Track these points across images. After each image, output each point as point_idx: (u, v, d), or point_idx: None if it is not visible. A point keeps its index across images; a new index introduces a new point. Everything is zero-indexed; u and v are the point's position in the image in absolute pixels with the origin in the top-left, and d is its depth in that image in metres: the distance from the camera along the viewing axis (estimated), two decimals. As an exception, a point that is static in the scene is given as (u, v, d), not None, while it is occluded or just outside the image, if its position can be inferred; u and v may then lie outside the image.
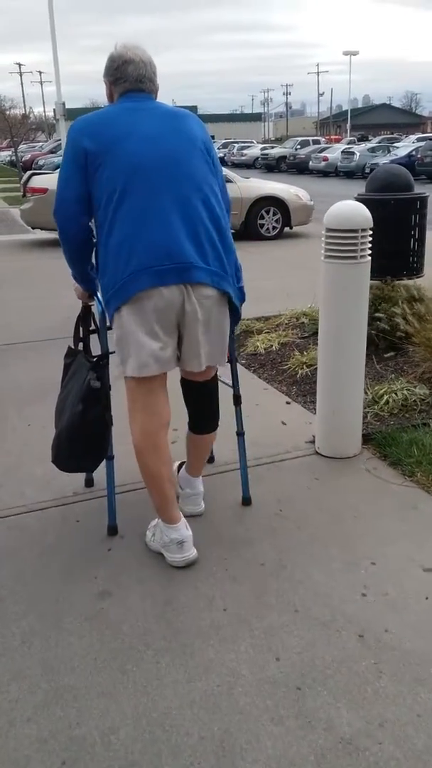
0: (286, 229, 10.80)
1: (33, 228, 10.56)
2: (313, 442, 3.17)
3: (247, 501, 2.65)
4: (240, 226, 10.49)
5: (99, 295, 2.34)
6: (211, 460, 3.01)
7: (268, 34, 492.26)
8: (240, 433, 2.61)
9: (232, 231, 11.00)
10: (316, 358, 4.20)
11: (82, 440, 2.26)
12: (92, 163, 2.03)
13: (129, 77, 2.13)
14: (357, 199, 6.28)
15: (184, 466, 2.59)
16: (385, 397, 3.52)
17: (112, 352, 2.25)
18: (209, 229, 2.08)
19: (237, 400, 2.59)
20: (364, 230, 2.76)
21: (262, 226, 10.61)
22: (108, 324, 2.24)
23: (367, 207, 2.80)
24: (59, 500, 2.72)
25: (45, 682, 1.79)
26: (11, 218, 14.34)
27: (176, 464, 2.69)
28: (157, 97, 2.22)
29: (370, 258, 2.83)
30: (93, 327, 2.53)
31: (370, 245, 2.81)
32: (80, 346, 2.51)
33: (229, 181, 10.33)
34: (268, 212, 10.60)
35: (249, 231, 10.47)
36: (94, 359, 2.34)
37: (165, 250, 2.00)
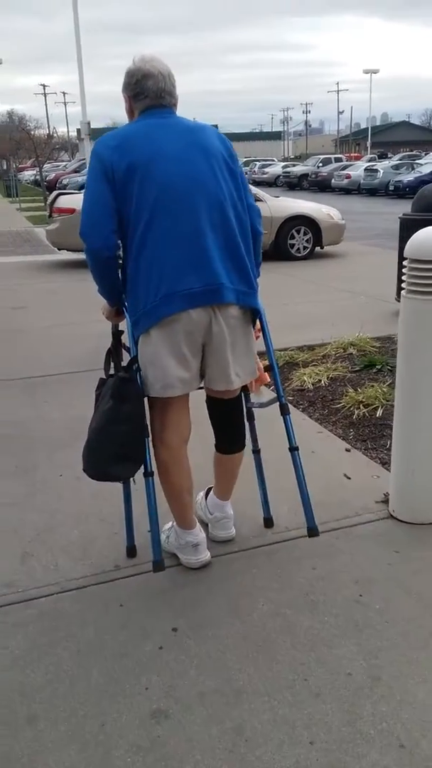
0: (317, 248, 10.44)
1: (59, 249, 10.30)
2: (385, 502, 2.75)
3: (269, 522, 2.62)
4: (270, 246, 10.14)
5: (126, 310, 2.28)
6: (269, 524, 2.63)
7: (288, 54, 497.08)
8: (293, 448, 2.43)
9: (264, 250, 10.71)
10: (374, 397, 3.82)
11: (113, 438, 2.12)
12: (120, 180, 1.99)
13: (149, 92, 2.10)
14: (405, 219, 5.92)
15: (212, 491, 2.53)
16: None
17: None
18: (239, 245, 2.08)
19: (284, 409, 2.43)
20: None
21: (292, 246, 10.26)
22: (134, 344, 2.17)
23: (421, 227, 2.44)
24: (98, 575, 2.34)
25: None
26: (36, 238, 14.15)
27: (202, 493, 2.64)
28: (177, 109, 2.19)
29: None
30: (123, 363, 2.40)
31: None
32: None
33: (258, 200, 10.00)
34: (298, 232, 10.25)
35: (279, 251, 10.12)
36: (120, 369, 2.23)
37: (195, 272, 2.00)
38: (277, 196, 10.89)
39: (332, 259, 10.30)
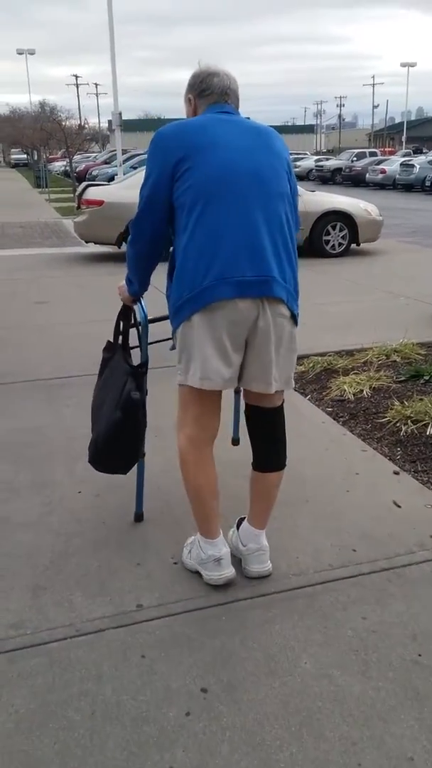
0: (353, 245, 10.06)
1: (86, 242, 10.06)
2: (441, 537, 2.44)
3: (236, 442, 2.80)
4: (304, 243, 9.78)
5: (143, 302, 2.43)
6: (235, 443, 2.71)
7: (322, 46, 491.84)
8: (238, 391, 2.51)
9: (297, 246, 10.24)
10: (424, 412, 3.48)
11: (119, 445, 2.36)
12: (180, 167, 1.99)
13: (215, 89, 2.13)
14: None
15: (246, 519, 2.31)
16: None
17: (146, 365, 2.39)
18: (289, 247, 2.06)
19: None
20: None
21: (327, 242, 9.88)
22: (172, 332, 2.14)
23: None
24: (118, 616, 2.07)
25: None
26: (64, 230, 13.96)
27: (234, 527, 2.41)
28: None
29: None
30: (133, 322, 2.55)
31: None
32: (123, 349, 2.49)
33: (293, 194, 9.67)
34: (334, 227, 9.86)
35: (313, 247, 9.76)
36: (134, 367, 2.39)
37: (248, 260, 1.96)
38: (313, 191, 10.50)
39: (368, 256, 9.91)
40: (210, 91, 2.14)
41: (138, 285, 2.28)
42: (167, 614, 2.07)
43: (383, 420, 3.54)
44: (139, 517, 2.60)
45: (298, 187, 9.11)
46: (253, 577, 2.23)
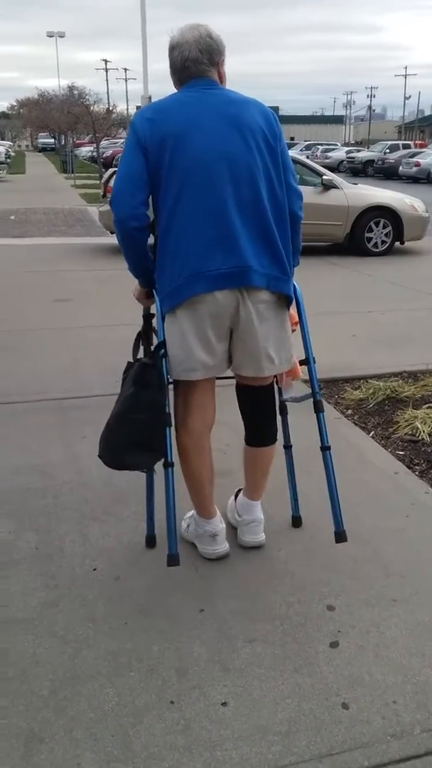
0: (396, 244, 9.30)
1: (112, 233, 9.42)
2: None
3: (297, 521, 2.47)
4: (344, 240, 9.06)
5: (156, 294, 2.23)
6: (297, 523, 2.47)
7: (353, 35, 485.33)
8: (325, 448, 2.21)
9: (337, 243, 9.63)
10: None
11: (132, 426, 2.05)
12: (153, 153, 1.94)
13: (175, 63, 2.04)
14: None
15: (241, 492, 2.41)
16: None
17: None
18: (270, 226, 1.98)
19: (318, 406, 2.21)
20: None
21: (369, 239, 9.14)
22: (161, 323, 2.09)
23: None
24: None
25: None
26: (89, 218, 13.32)
27: (232, 497, 2.49)
28: (220, 75, 2.07)
29: None
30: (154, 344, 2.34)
31: None
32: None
33: (334, 187, 8.95)
34: (377, 224, 9.12)
35: (355, 245, 9.04)
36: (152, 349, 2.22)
37: (221, 252, 1.92)
38: (356, 183, 9.75)
39: (414, 256, 9.15)
40: (174, 68, 2.05)
41: (136, 273, 2.19)
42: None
43: (472, 473, 2.85)
44: (173, 560, 2.02)
45: (339, 179, 8.23)
46: (247, 546, 2.32)
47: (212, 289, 1.94)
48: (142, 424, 2.04)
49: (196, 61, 2.00)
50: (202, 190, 1.92)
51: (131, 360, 2.22)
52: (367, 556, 2.27)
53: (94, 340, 4.86)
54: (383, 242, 9.20)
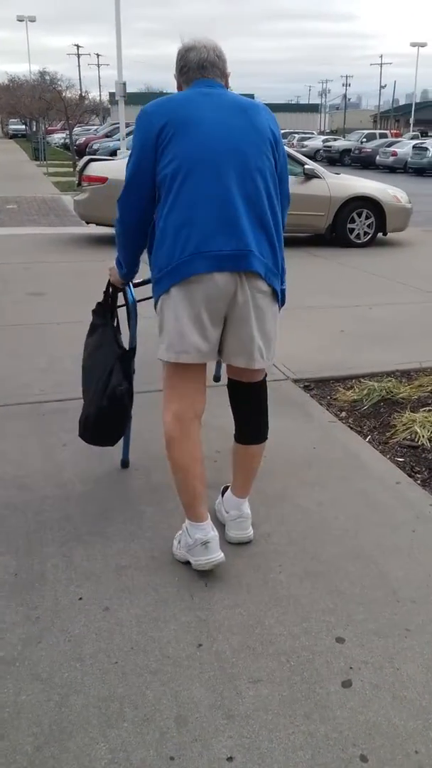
0: (379, 235, 9.17)
1: (87, 223, 9.13)
2: None
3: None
4: (326, 231, 8.90)
5: (131, 285, 2.50)
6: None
7: (328, 23, 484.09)
8: None
9: (318, 234, 9.42)
10: None
11: (107, 426, 2.49)
12: (161, 143, 1.97)
13: (191, 63, 2.10)
14: None
15: (229, 488, 2.38)
16: None
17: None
18: (269, 223, 2.03)
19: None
20: None
21: (351, 231, 9.00)
22: (155, 307, 2.12)
23: None
24: None
25: None
26: (63, 207, 12.97)
27: (220, 495, 2.49)
28: (227, 84, 2.16)
29: None
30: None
31: None
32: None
33: (316, 176, 8.77)
34: (360, 215, 8.97)
35: (336, 236, 8.89)
36: (123, 350, 2.50)
37: (225, 234, 1.95)
38: (338, 173, 9.58)
39: (396, 248, 9.03)
40: (188, 67, 2.10)
41: (126, 268, 2.28)
42: None
43: None
44: (124, 463, 2.77)
45: (322, 168, 8.09)
46: (233, 542, 2.29)
47: (212, 270, 1.94)
48: (115, 425, 2.49)
49: (213, 64, 2.09)
50: (208, 176, 1.95)
51: (100, 302, 2.63)
52: (374, 578, 2.12)
53: (71, 337, 4.61)
54: (366, 233, 9.06)
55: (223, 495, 2.43)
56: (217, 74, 2.11)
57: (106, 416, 2.43)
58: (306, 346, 4.53)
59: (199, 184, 1.94)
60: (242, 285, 1.99)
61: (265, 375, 2.23)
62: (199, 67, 2.08)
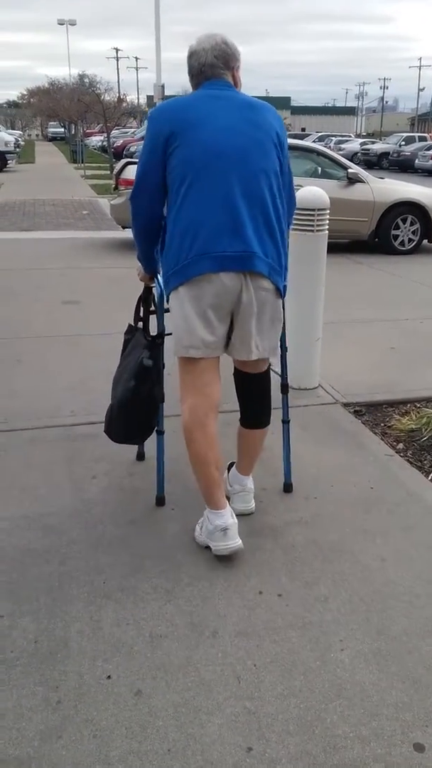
0: (424, 242, 8.76)
1: (123, 228, 8.90)
2: None
3: (288, 488, 2.66)
4: (369, 237, 8.53)
5: (160, 277, 2.40)
6: (288, 489, 2.66)
7: (364, 26, 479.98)
8: (285, 421, 2.63)
9: (361, 240, 9.05)
10: None
11: (133, 413, 2.39)
12: (170, 146, 2.03)
13: (193, 69, 2.17)
14: None
15: (234, 465, 2.53)
16: None
17: (168, 333, 2.28)
18: (273, 223, 2.09)
19: (284, 389, 2.59)
20: None
21: (395, 237, 8.61)
22: (166, 304, 2.26)
23: None
24: None
25: None
26: (100, 210, 12.81)
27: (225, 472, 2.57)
28: (236, 79, 2.19)
29: None
30: (153, 308, 2.55)
31: None
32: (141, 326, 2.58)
33: (360, 181, 8.39)
34: (404, 221, 8.58)
35: (380, 242, 8.51)
36: (152, 338, 2.45)
37: (229, 236, 2.02)
38: (382, 177, 9.19)
39: (444, 256, 8.61)
40: (191, 74, 2.18)
41: (145, 261, 2.33)
42: None
43: None
44: (160, 501, 2.56)
45: (365, 173, 7.75)
46: (237, 514, 2.32)
47: (218, 270, 2.02)
48: (141, 412, 2.39)
49: (212, 66, 2.13)
50: (213, 178, 2.01)
51: (132, 323, 2.58)
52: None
53: (105, 350, 4.36)
54: (410, 240, 8.68)
55: (228, 471, 2.58)
56: (219, 73, 2.15)
57: (133, 400, 2.36)
58: (354, 365, 4.19)
59: (205, 188, 2.01)
60: (247, 285, 2.07)
61: (269, 365, 2.36)
62: (200, 72, 2.16)
